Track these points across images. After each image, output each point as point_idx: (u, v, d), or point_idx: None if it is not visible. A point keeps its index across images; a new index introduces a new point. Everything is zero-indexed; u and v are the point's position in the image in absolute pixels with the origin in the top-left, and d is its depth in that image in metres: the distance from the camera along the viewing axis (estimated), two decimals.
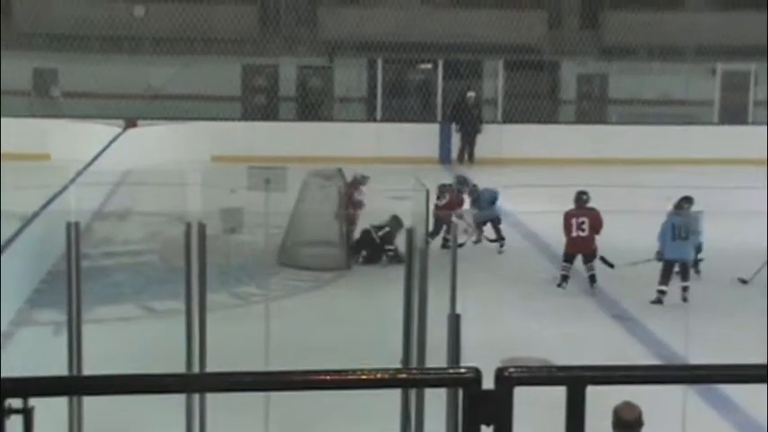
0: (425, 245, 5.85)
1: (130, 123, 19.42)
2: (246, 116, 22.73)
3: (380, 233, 12.78)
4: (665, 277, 11.19)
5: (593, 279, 11.69)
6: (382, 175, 15.28)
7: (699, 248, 11.75)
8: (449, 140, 21.02)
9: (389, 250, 12.67)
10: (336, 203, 12.81)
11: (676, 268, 11.17)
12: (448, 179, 15.30)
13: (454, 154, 20.98)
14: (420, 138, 20.69)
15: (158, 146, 18.73)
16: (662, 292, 11.13)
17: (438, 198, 13.37)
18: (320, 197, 12.86)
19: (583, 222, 11.68)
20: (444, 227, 13.06)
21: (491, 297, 10.93)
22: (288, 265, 12.32)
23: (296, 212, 12.85)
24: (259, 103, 23.40)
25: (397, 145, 20.18)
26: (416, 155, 19.75)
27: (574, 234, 11.69)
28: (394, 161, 18.78)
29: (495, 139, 20.54)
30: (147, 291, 11.20)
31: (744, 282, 11.62)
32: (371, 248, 12.73)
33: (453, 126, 21.07)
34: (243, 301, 10.95)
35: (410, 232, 6.01)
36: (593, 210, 11.86)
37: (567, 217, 11.82)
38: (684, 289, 11.10)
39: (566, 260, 11.75)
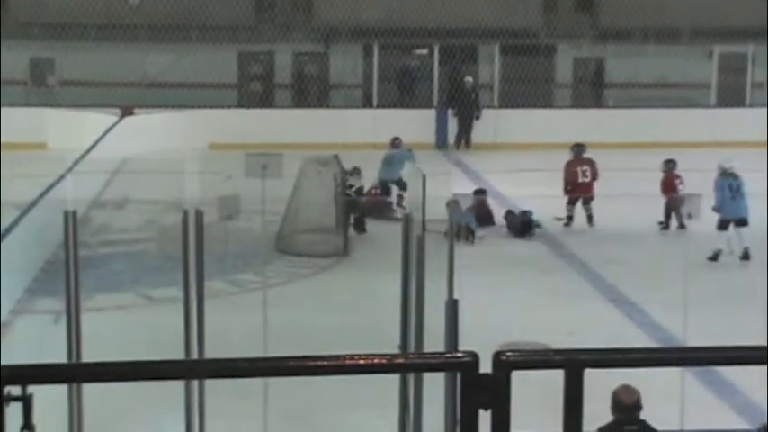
0: (422, 231, 5.84)
1: (127, 112, 19.37)
2: (243, 103, 22.69)
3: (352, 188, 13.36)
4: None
5: (590, 218, 13.74)
6: (379, 161, 15.27)
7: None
8: (445, 126, 21.00)
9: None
10: (333, 190, 12.81)
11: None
12: (444, 165, 15.31)
13: (451, 139, 20.97)
14: (416, 124, 20.68)
15: (155, 134, 18.70)
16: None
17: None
18: (317, 183, 12.88)
19: (586, 170, 13.89)
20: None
21: (488, 282, 10.94)
22: (285, 251, 12.33)
23: (293, 199, 12.85)
24: (255, 90, 23.35)
25: (393, 131, 20.14)
26: (413, 141, 19.74)
27: (580, 180, 13.83)
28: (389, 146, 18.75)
29: (492, 123, 20.52)
30: (145, 279, 11.21)
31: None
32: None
33: (450, 111, 21.04)
34: (240, 288, 10.96)
35: (407, 218, 6.01)
36: (591, 159, 14.08)
37: (571, 166, 14.02)
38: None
39: (570, 203, 13.86)
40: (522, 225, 13.32)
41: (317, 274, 11.79)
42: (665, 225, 13.48)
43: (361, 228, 13.34)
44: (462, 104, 20.97)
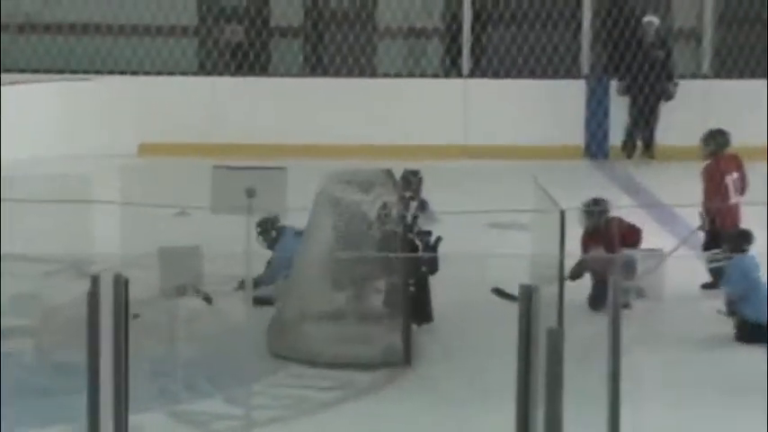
0: (558, 316, 5.92)
1: None
2: (205, 67, 22.97)
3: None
4: None
5: None
6: (467, 180, 15.39)
7: None
8: (605, 113, 21.12)
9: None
10: (381, 237, 12.89)
11: None
12: (601, 189, 15.40)
13: (617, 140, 21.09)
14: (545, 113, 20.81)
15: (39, 127, 19.06)
16: None
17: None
18: (348, 224, 12.97)
19: None
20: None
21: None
22: (286, 356, 12.44)
23: (302, 253, 12.99)
24: (232, 39, 23.41)
25: (498, 124, 20.31)
26: (537, 143, 19.88)
27: None
28: (493, 153, 18.94)
29: (698, 109, 20.52)
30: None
31: None
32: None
33: (615, 86, 21.17)
34: (200, 428, 11.09)
35: (525, 292, 6.07)
36: None
37: None
38: None
39: None
40: None
41: (350, 401, 11.87)
42: None
43: (424, 314, 13.14)
44: (640, 71, 21.11)
